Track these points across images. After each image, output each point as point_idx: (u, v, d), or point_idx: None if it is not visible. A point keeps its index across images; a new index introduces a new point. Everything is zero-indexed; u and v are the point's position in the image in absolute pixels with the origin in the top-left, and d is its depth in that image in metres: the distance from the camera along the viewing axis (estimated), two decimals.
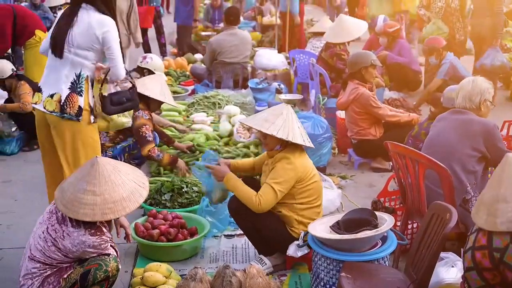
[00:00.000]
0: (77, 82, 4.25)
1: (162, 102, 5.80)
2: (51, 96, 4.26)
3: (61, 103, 4.23)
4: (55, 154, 4.41)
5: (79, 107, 4.25)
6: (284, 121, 4.02)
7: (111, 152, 5.59)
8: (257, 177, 4.59)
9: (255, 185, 4.15)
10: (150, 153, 5.45)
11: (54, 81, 4.28)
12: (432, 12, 9.63)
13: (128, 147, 5.70)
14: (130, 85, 4.59)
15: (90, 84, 4.31)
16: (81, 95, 4.26)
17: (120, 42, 4.40)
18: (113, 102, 4.43)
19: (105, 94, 4.41)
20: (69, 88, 4.24)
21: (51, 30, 4.45)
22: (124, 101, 4.51)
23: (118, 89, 4.53)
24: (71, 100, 4.23)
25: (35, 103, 4.35)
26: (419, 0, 9.87)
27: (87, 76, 4.29)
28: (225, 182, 4.14)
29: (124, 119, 5.64)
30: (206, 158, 4.50)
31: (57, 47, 4.26)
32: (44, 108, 4.27)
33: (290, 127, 4.01)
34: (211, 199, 4.52)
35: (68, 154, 4.31)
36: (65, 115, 4.23)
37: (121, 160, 5.28)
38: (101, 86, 4.40)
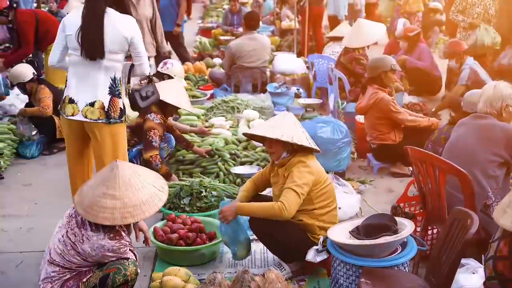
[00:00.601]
0: (114, 85, 4.31)
1: (179, 107, 5.81)
2: (91, 104, 4.28)
3: (106, 109, 4.27)
4: (85, 161, 4.46)
5: (120, 109, 4.33)
6: (288, 126, 4.05)
7: None
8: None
9: (263, 201, 4.17)
10: (151, 159, 5.44)
11: (90, 89, 4.29)
12: (470, 18, 9.38)
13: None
14: (147, 78, 4.66)
15: (123, 84, 4.38)
16: (120, 97, 4.33)
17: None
18: (142, 97, 4.49)
19: (130, 91, 4.48)
20: (109, 93, 4.29)
21: (60, 39, 4.36)
22: (151, 94, 4.58)
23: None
24: (114, 104, 4.30)
25: (72, 115, 4.32)
26: (454, 6, 9.61)
27: (120, 77, 4.35)
28: (240, 213, 4.08)
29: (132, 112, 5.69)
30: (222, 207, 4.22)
31: (97, 54, 4.21)
32: (86, 117, 4.28)
33: (294, 131, 4.03)
34: (236, 255, 4.28)
35: (109, 158, 4.29)
36: (111, 120, 4.29)
37: (136, 163, 5.30)
38: (127, 84, 4.47)
